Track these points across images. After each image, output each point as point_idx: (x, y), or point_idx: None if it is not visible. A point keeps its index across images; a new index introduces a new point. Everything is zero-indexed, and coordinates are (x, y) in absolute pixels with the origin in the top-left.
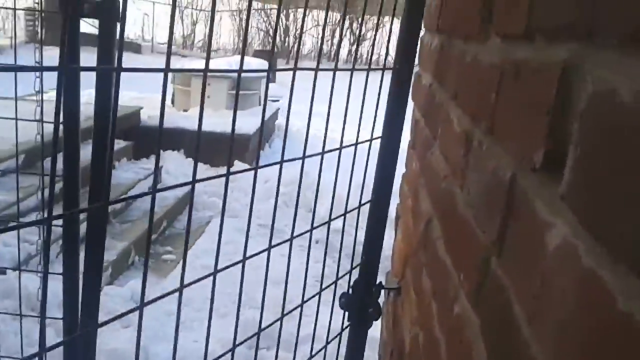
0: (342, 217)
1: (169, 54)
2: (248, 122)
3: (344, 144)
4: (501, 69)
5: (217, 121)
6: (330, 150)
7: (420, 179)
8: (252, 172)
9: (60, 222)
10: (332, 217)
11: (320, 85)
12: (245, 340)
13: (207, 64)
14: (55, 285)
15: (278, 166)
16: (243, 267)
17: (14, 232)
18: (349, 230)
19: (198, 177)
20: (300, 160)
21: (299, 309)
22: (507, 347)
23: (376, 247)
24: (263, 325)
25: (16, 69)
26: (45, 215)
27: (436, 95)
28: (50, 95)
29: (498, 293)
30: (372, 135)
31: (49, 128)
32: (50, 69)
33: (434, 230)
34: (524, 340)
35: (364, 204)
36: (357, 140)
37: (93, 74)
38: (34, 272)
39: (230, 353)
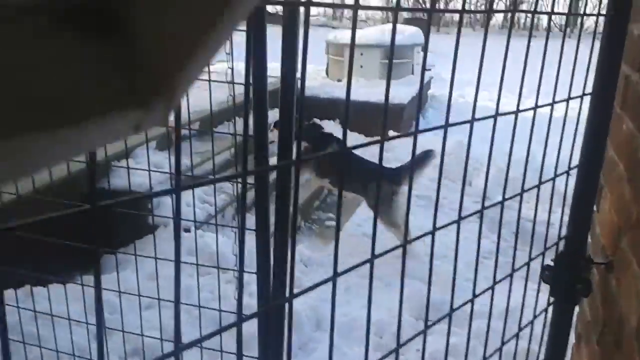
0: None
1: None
2: (401, 92)
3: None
4: None
5: (370, 91)
6: (481, 119)
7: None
8: (406, 141)
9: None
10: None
11: (473, 51)
12: (438, 321)
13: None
14: (231, 244)
15: (432, 136)
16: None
17: (195, 194)
18: (512, 205)
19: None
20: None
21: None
22: None
23: (585, 218)
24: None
25: None
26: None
27: None
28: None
29: None
30: (581, 97)
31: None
32: None
33: None
34: None
35: (572, 168)
36: (517, 106)
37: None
38: (217, 230)
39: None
